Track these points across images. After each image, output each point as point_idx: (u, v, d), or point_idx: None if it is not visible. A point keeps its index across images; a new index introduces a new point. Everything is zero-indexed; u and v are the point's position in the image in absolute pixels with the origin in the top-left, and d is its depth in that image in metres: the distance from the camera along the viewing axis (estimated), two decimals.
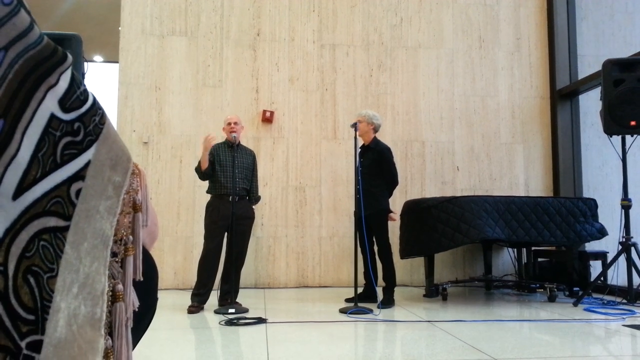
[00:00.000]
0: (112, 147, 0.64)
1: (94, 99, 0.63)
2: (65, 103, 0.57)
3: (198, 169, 4.17)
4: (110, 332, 0.62)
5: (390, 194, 4.49)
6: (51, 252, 0.55)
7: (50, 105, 0.55)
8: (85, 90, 0.61)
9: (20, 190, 0.52)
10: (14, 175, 0.51)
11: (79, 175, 0.59)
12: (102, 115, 0.63)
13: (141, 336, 0.79)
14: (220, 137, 4.47)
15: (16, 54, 0.51)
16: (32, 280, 0.52)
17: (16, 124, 0.51)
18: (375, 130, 4.49)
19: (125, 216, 0.67)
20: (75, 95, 0.59)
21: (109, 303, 0.62)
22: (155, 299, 0.86)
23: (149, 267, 0.78)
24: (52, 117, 0.56)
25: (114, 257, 0.65)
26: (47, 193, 0.55)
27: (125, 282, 0.66)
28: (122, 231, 0.66)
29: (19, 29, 0.51)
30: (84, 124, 0.60)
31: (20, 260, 0.51)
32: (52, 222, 0.56)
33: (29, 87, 0.53)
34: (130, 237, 0.68)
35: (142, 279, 0.69)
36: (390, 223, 4.51)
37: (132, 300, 0.67)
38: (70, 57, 0.58)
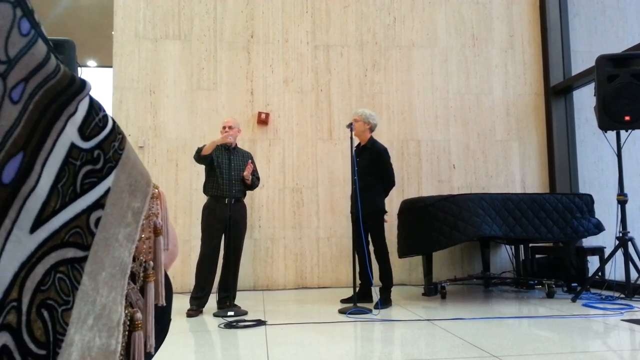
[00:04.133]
0: (131, 172, 0.63)
1: (114, 123, 0.62)
2: (85, 131, 0.57)
3: (199, 151, 4.14)
4: None
5: (386, 195, 4.48)
6: (67, 284, 0.54)
7: (70, 134, 0.54)
8: (105, 116, 0.60)
9: (39, 222, 0.51)
10: (32, 208, 0.50)
11: (99, 204, 0.58)
12: (122, 140, 0.62)
13: (151, 358, 0.78)
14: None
15: (36, 85, 0.50)
16: (46, 314, 0.51)
17: (36, 155, 0.50)
18: (372, 129, 4.46)
19: (144, 242, 0.66)
20: (94, 122, 0.58)
21: (126, 332, 0.61)
22: (169, 320, 0.84)
23: (166, 289, 0.77)
24: (72, 146, 0.55)
25: (133, 283, 0.64)
26: (66, 224, 0.54)
27: (147, 310, 0.64)
28: (142, 257, 0.65)
29: (38, 60, 0.50)
30: (103, 151, 0.59)
31: (34, 295, 0.50)
32: (71, 253, 0.55)
33: (49, 117, 0.52)
34: (151, 263, 0.66)
35: (164, 304, 0.67)
36: (386, 223, 4.51)
37: (153, 327, 0.65)
38: (89, 85, 0.57)
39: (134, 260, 0.63)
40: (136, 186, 0.64)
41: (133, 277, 0.64)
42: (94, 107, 0.58)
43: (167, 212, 0.72)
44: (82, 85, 0.56)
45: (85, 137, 0.57)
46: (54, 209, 0.52)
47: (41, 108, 0.51)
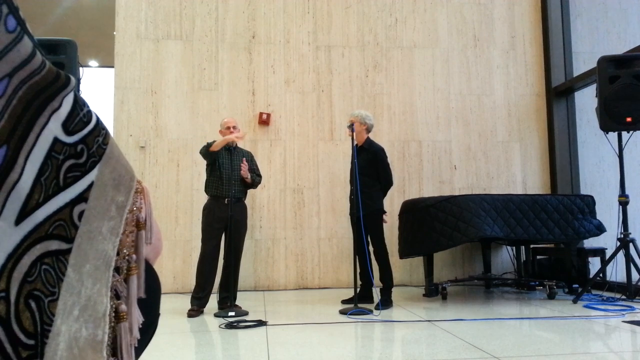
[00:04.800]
0: (115, 167, 0.64)
1: (97, 119, 0.63)
2: (69, 126, 0.58)
3: (206, 146, 4.12)
4: (114, 353, 0.62)
5: (385, 195, 4.47)
6: (53, 275, 0.55)
7: (53, 129, 0.55)
8: (89, 112, 0.61)
9: (23, 215, 0.52)
10: (16, 201, 0.51)
11: (82, 197, 0.59)
12: (106, 135, 0.63)
13: (142, 352, 0.79)
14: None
15: (20, 81, 0.51)
16: (33, 304, 0.52)
17: (19, 149, 0.51)
18: (368, 130, 4.45)
19: (128, 235, 0.67)
20: (79, 117, 0.59)
21: (112, 324, 0.62)
22: (157, 315, 0.86)
23: (152, 283, 0.78)
24: (56, 140, 0.56)
25: (117, 275, 0.65)
26: (50, 217, 0.55)
27: (130, 302, 0.65)
28: (125, 250, 0.66)
29: (23, 56, 0.51)
30: (87, 146, 0.60)
31: (22, 285, 0.51)
32: (55, 245, 0.56)
33: (32, 112, 0.53)
34: (134, 256, 0.68)
35: (144, 297, 0.69)
36: (386, 224, 4.51)
37: (137, 318, 0.66)
38: (73, 80, 0.58)
39: (118, 253, 0.63)
40: (120, 180, 0.65)
41: (117, 270, 0.65)
42: (78, 103, 0.60)
43: (151, 207, 0.73)
44: (67, 81, 0.57)
45: (69, 131, 0.58)
46: (37, 202, 0.53)
47: (24, 103, 0.52)
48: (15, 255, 0.51)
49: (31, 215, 0.53)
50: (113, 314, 0.62)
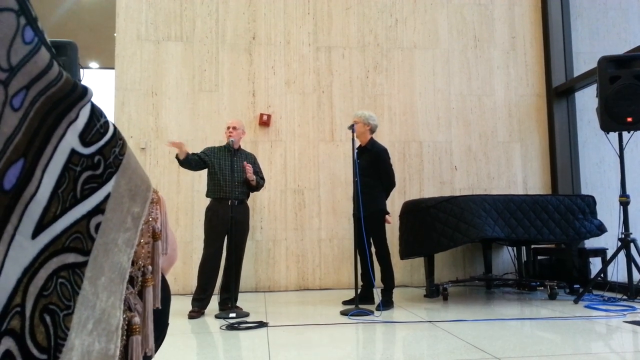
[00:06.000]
0: (131, 177, 0.64)
1: (115, 129, 0.62)
2: (86, 137, 0.57)
3: (177, 156, 4.13)
4: None
5: (387, 196, 4.46)
6: (69, 289, 0.54)
7: (70, 140, 0.55)
8: (106, 122, 0.61)
9: (40, 228, 0.51)
10: (33, 214, 0.50)
11: (99, 209, 0.59)
12: (123, 146, 0.62)
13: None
14: (217, 141, 4.48)
15: (37, 92, 0.50)
16: (48, 319, 0.51)
17: (36, 162, 0.50)
18: (372, 131, 4.44)
19: (143, 246, 0.66)
20: (95, 128, 0.58)
21: (124, 337, 0.61)
22: (166, 324, 0.85)
23: (163, 293, 0.78)
24: (73, 152, 0.55)
25: (131, 287, 0.64)
26: (67, 229, 0.54)
27: (145, 314, 0.65)
28: (140, 262, 0.66)
29: (40, 67, 0.50)
30: (104, 157, 0.59)
31: (37, 300, 0.50)
32: (71, 258, 0.55)
33: (50, 124, 0.52)
34: (150, 267, 0.67)
35: (160, 307, 0.68)
36: (388, 224, 4.50)
37: (152, 331, 0.66)
38: (90, 91, 0.57)
39: (133, 264, 0.63)
40: (136, 191, 0.64)
41: (132, 281, 0.64)
42: (95, 114, 0.59)
43: (167, 216, 0.72)
44: (84, 92, 0.56)
45: (86, 143, 0.57)
46: (54, 215, 0.52)
47: (42, 115, 0.51)
48: (32, 269, 0.50)
49: (48, 229, 0.52)
50: (125, 327, 0.61)
